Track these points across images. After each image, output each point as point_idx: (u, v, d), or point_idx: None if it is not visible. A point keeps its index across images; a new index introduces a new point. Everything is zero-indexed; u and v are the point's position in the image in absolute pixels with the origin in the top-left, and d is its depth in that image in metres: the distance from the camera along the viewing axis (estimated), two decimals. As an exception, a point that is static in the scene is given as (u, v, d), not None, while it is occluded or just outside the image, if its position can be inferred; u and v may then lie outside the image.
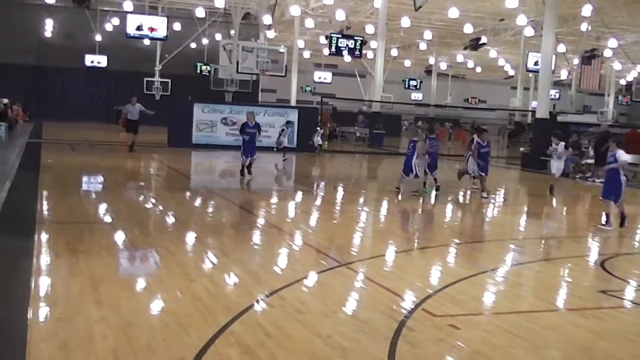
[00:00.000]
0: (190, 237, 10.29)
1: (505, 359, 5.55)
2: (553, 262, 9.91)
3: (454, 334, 6.03)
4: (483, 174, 16.76)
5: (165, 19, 35.75)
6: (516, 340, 6.00)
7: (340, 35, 32.95)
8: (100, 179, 17.65)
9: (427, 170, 16.69)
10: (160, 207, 13.33)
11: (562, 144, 17.87)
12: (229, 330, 5.77)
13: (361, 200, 16.54)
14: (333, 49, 32.39)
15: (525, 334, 6.19)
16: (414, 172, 16.02)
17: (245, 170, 18.36)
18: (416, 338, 5.84)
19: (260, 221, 12.32)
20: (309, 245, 10.17)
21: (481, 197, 16.43)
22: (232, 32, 35.44)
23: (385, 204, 15.89)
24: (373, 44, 38.73)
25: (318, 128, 29.70)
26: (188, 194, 15.93)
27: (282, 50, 35.02)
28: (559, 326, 6.65)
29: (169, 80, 45.53)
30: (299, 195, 16.84)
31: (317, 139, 29.31)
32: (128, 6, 34.54)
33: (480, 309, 7.07)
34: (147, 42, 41.72)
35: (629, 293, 8.05)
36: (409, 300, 7.03)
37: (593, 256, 10.65)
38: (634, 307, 7.42)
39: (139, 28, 34.06)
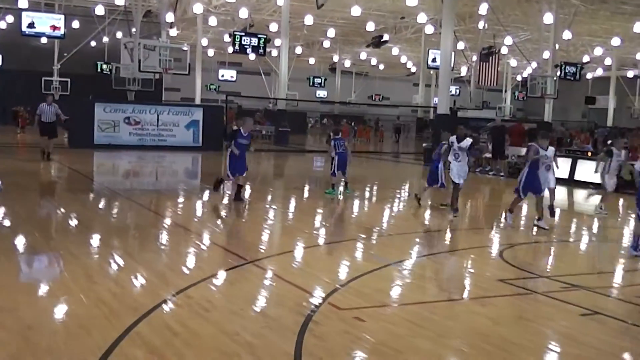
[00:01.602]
0: (94, 240, 10.05)
1: (408, 348, 5.72)
2: (455, 254, 10.26)
3: (359, 326, 6.17)
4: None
5: (62, 17, 34.51)
6: (419, 330, 6.20)
7: (243, 33, 32.85)
8: (-4, 182, 16.93)
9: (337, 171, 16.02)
10: (62, 210, 12.93)
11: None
12: (135, 331, 5.69)
13: (269, 197, 16.57)
14: (237, 47, 32.26)
15: (428, 324, 6.40)
16: (439, 182, 14.53)
17: (241, 194, 14.40)
18: (322, 331, 5.94)
19: (167, 221, 12.16)
20: (216, 244, 10.14)
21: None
22: (133, 30, 34.65)
23: (292, 201, 15.99)
24: (277, 41, 38.80)
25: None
26: (91, 195, 15.51)
27: (185, 48, 34.52)
28: (459, 315, 6.91)
29: (69, 80, 44.07)
30: (205, 194, 16.69)
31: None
32: (23, 3, 33.16)
33: (385, 301, 7.25)
34: (44, 40, 40.23)
35: (525, 281, 8.42)
36: (315, 295, 7.13)
37: (494, 247, 11.07)
38: (530, 295, 7.79)
39: (34, 26, 32.75)
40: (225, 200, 14.61)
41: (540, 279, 8.48)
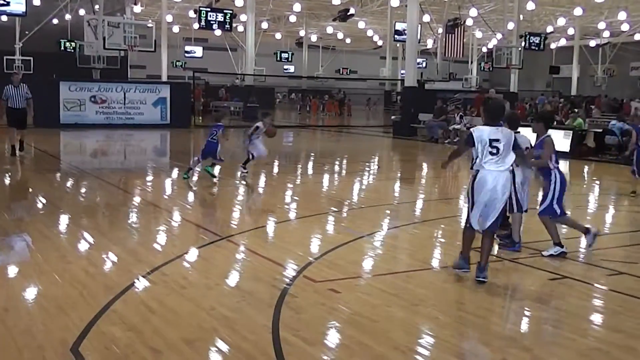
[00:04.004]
0: (65, 219, 9.99)
1: (382, 317, 5.82)
2: (426, 224, 10.37)
3: (334, 297, 6.26)
4: None
5: (22, -6, 33.79)
6: (393, 299, 6.31)
7: (209, 9, 32.50)
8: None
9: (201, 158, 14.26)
10: (30, 190, 12.80)
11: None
12: (111, 309, 5.71)
13: (238, 174, 16.54)
14: (203, 23, 31.92)
15: (402, 293, 6.51)
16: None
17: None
18: (298, 304, 6.02)
19: (137, 199, 12.11)
20: (188, 221, 10.14)
21: None
22: (97, 7, 34.08)
23: (262, 176, 15.99)
24: (243, 17, 38.46)
25: None
26: (59, 175, 15.34)
27: (150, 24, 34.13)
28: (432, 283, 7.03)
29: (31, 58, 43.21)
30: (175, 172, 16.61)
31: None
32: (-20, -20, 32.35)
33: (359, 272, 7.34)
34: (4, 18, 39.34)
35: (496, 248, 8.57)
36: (290, 269, 7.20)
37: (463, 217, 11.20)
38: (500, 262, 7.95)
39: (-6, 3, 31.96)
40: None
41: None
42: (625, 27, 43.00)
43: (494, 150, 6.59)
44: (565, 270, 7.36)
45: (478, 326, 5.78)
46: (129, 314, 5.63)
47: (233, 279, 7.00)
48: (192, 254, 7.87)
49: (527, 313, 6.18)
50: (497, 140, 6.59)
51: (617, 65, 51.00)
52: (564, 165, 17.15)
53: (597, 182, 16.89)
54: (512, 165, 6.90)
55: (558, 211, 7.99)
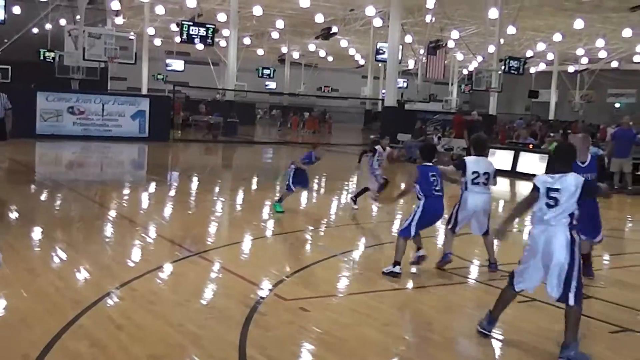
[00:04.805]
0: (36, 232, 9.86)
1: (352, 337, 5.81)
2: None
3: (304, 316, 6.23)
4: None
5: (3, 1, 33.58)
6: (364, 319, 6.30)
7: (191, 23, 32.47)
8: None
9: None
10: (2, 202, 12.65)
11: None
12: (77, 324, 5.64)
13: (216, 189, 16.51)
14: (185, 37, 31.86)
15: (373, 313, 6.51)
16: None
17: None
18: (267, 322, 5.99)
19: (112, 213, 12.00)
20: (162, 236, 10.06)
21: None
22: (78, 17, 33.98)
23: (240, 192, 15.95)
24: (225, 32, 38.52)
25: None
26: (33, 187, 15.18)
27: (131, 37, 34.10)
28: (404, 304, 7.05)
29: (9, 67, 42.87)
30: (152, 186, 16.52)
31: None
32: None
33: (331, 291, 7.32)
34: (-17, 26, 39.04)
35: (467, 270, 8.60)
36: (261, 286, 7.17)
37: (439, 237, 11.21)
38: (471, 283, 7.98)
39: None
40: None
41: (481, 268, 8.66)
42: (603, 54, 43.66)
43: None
44: (534, 294, 7.37)
45: (446, 348, 5.78)
46: (95, 329, 5.57)
47: (203, 295, 6.95)
48: (164, 270, 7.81)
49: (496, 336, 6.19)
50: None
51: (595, 91, 51.67)
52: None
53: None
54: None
55: (412, 233, 8.06)
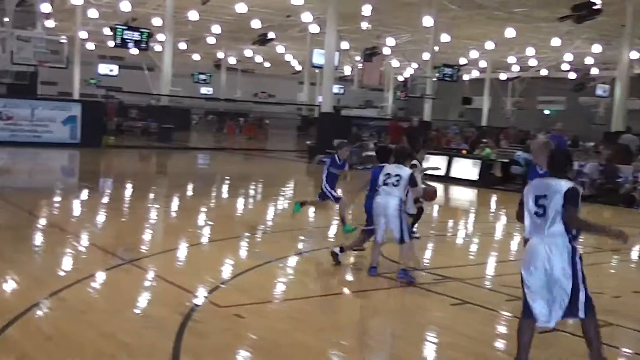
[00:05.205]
0: (-40, 241, 9.52)
1: (288, 343, 5.80)
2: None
3: (239, 322, 6.19)
4: None
5: None
6: (300, 325, 6.30)
7: (125, 27, 31.92)
8: None
9: None
10: None
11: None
12: (4, 335, 5.46)
13: (151, 196, 16.25)
14: (118, 41, 31.29)
15: (309, 319, 6.51)
16: None
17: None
18: (202, 330, 5.92)
19: (42, 222, 11.65)
20: (94, 244, 9.81)
21: None
22: (6, 19, 32.95)
23: (176, 199, 15.74)
24: (160, 36, 38.00)
25: None
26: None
27: (62, 40, 33.24)
28: (340, 309, 7.07)
29: None
30: (84, 193, 16.15)
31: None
32: None
33: (266, 297, 7.28)
34: None
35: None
36: (196, 294, 7.08)
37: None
38: (406, 287, 8.06)
39: None
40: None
41: (416, 271, 8.77)
42: (533, 62, 44.91)
43: None
44: (467, 296, 7.52)
45: (381, 352, 5.83)
46: (23, 340, 5.40)
47: (136, 304, 6.82)
48: (96, 279, 7.63)
49: (430, 339, 6.28)
50: None
51: (525, 98, 53.04)
52: (472, 194, 17.69)
53: (503, 210, 17.42)
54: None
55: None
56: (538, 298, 5.15)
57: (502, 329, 6.69)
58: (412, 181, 8.13)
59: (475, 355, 5.79)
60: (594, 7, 22.12)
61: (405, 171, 8.12)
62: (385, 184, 8.06)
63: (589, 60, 40.96)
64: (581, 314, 5.09)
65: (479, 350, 5.95)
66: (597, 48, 36.04)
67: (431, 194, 10.30)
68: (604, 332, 6.30)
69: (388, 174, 8.10)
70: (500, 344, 6.29)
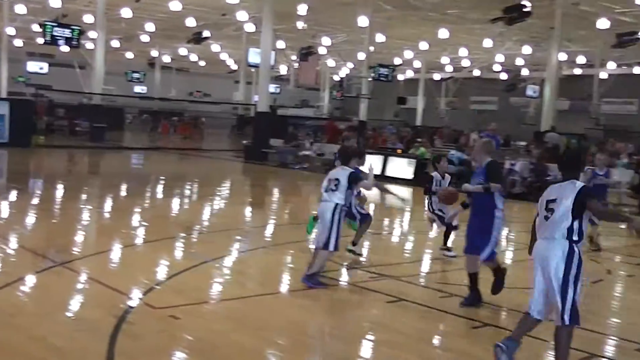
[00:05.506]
0: None
1: (225, 343, 5.77)
2: (275, 249, 10.38)
3: (175, 324, 6.12)
4: None
5: None
6: (237, 325, 6.27)
7: (55, 24, 31.10)
8: None
9: None
10: None
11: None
12: None
13: (83, 197, 15.88)
14: (48, 38, 30.45)
15: (246, 319, 6.48)
16: None
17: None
18: (136, 331, 5.83)
19: (-33, 223, 11.28)
20: (23, 247, 9.53)
21: None
22: None
23: (109, 200, 15.44)
24: (92, 34, 37.20)
25: None
26: None
27: (-12, 37, 32.13)
28: (277, 308, 7.06)
29: None
30: (12, 195, 15.66)
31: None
32: None
33: (203, 298, 7.22)
34: None
35: (338, 273, 8.74)
36: (130, 296, 6.97)
37: (312, 241, 11.33)
38: (343, 285, 8.13)
39: None
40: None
41: (352, 269, 8.84)
42: (466, 63, 45.81)
43: None
44: (402, 293, 7.63)
45: (319, 350, 5.86)
46: (-53, 347, 5.21)
47: (68, 307, 6.65)
48: (25, 282, 7.42)
49: (366, 336, 6.34)
50: None
51: (459, 98, 54.05)
52: (407, 192, 17.93)
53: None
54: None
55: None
56: (535, 292, 5.29)
57: (437, 325, 6.81)
58: (353, 180, 7.82)
59: (411, 352, 5.88)
60: (525, 10, 22.69)
61: (344, 173, 7.83)
62: (325, 190, 7.87)
63: (519, 62, 42.00)
64: (566, 320, 5.10)
65: (414, 346, 6.05)
66: (527, 49, 37.03)
67: (448, 196, 8.87)
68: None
69: (329, 179, 7.92)
70: (435, 340, 6.41)
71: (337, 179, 7.80)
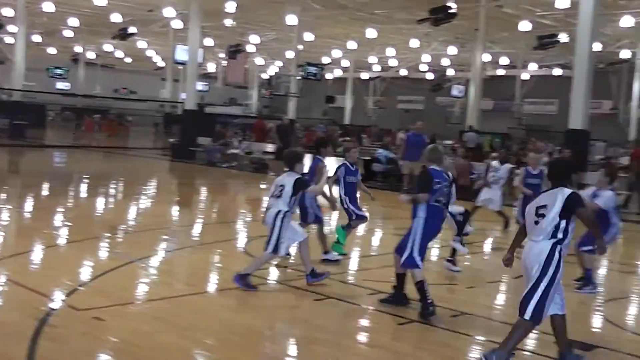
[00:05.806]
0: None
1: (151, 344, 5.68)
2: (202, 248, 10.29)
3: (99, 326, 5.98)
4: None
5: None
6: (163, 326, 6.18)
7: (-28, 17, 30.01)
8: None
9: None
10: None
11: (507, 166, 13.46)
12: None
13: (2, 196, 15.34)
14: (-36, 32, 29.36)
15: (173, 319, 6.40)
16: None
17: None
18: (59, 334, 5.68)
19: None
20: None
21: None
22: None
23: (30, 199, 14.96)
24: (12, 28, 35.98)
25: None
26: None
27: None
28: (205, 308, 6.99)
29: None
30: None
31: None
32: None
33: (127, 299, 7.07)
34: None
35: (265, 272, 8.71)
36: (52, 298, 6.78)
37: (240, 240, 11.31)
38: (271, 284, 8.12)
39: None
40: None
41: (280, 269, 8.84)
42: (393, 62, 46.45)
43: None
44: (330, 291, 7.67)
45: (247, 349, 5.83)
46: None
47: (-14, 310, 6.44)
48: (-61, 285, 7.12)
49: (293, 334, 6.35)
50: None
51: (386, 97, 54.76)
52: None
53: (366, 206, 17.89)
54: None
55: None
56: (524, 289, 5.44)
57: (364, 322, 6.88)
58: (299, 186, 7.64)
59: (339, 348, 5.92)
60: (450, 11, 23.14)
61: (290, 180, 7.63)
62: (271, 195, 7.73)
63: (445, 62, 42.85)
64: (527, 315, 5.29)
65: (342, 343, 6.09)
66: (452, 50, 37.83)
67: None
68: (458, 321, 6.67)
69: (275, 184, 7.75)
70: (362, 337, 6.47)
71: (282, 185, 7.64)
